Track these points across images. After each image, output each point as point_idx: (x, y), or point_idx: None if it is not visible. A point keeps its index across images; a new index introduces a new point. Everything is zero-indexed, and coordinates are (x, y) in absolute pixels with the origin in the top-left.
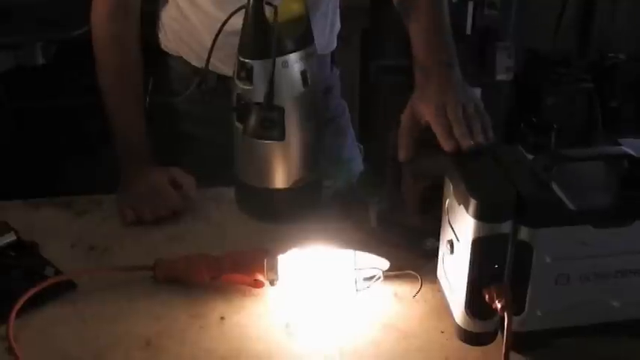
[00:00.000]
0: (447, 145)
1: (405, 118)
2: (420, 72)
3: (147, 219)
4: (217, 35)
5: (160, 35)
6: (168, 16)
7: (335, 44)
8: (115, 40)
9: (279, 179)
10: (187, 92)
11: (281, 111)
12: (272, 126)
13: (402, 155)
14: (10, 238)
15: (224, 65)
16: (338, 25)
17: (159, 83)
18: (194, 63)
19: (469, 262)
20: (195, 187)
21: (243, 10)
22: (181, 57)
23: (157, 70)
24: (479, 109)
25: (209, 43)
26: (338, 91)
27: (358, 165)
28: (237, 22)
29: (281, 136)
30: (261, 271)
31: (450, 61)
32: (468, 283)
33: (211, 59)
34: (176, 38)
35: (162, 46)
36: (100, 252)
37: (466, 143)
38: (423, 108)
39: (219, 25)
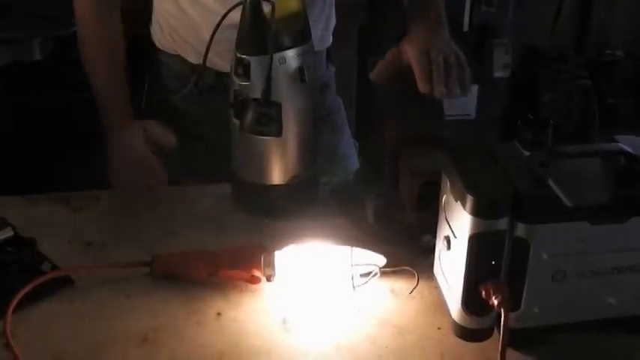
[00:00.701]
0: (422, 87)
1: (389, 52)
2: (411, 24)
3: (137, 189)
4: (216, 29)
5: (155, 33)
6: (164, 12)
7: (330, 40)
8: (95, 12)
9: (276, 175)
10: (185, 90)
11: (278, 107)
12: (269, 122)
13: (372, 75)
14: (8, 233)
15: (222, 60)
16: (333, 22)
17: (155, 82)
18: (191, 60)
19: (466, 258)
20: (172, 139)
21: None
22: (178, 55)
23: (153, 68)
24: (460, 59)
25: (208, 37)
26: (333, 88)
27: (354, 162)
28: (237, 15)
29: (278, 132)
30: (258, 267)
31: (440, 19)
32: (464, 279)
33: (210, 55)
34: (173, 34)
35: (158, 44)
36: (97, 248)
37: (439, 90)
38: (408, 49)
39: (218, 18)
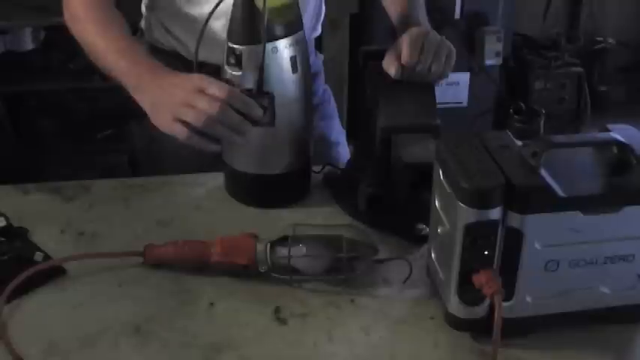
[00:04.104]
0: (405, 56)
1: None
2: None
3: (218, 134)
4: (209, 17)
5: (148, 32)
6: (159, 8)
7: (319, 31)
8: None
9: (269, 164)
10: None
11: (271, 97)
12: (262, 112)
13: (393, 70)
14: (0, 223)
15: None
16: (323, 12)
17: None
18: (186, 54)
19: (459, 248)
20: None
21: None
22: (176, 53)
23: None
24: (451, 49)
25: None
26: (323, 77)
27: (345, 148)
28: None
29: (271, 122)
30: (251, 256)
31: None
32: (457, 269)
33: (213, 48)
34: (173, 28)
35: (150, 39)
36: (90, 237)
37: (425, 63)
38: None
39: None
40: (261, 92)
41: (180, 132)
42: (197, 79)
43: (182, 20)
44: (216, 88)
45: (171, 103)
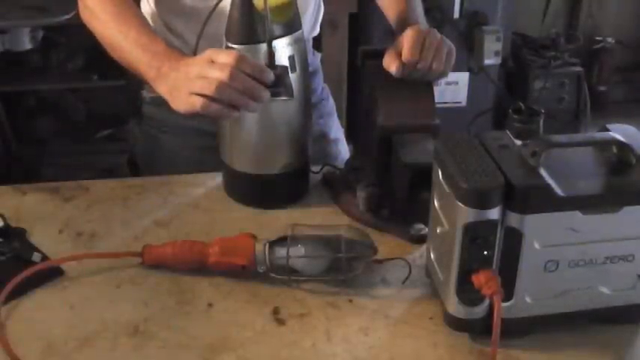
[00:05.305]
0: (405, 54)
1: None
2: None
3: (233, 100)
4: (211, 12)
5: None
6: (163, 4)
7: (318, 30)
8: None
9: (268, 165)
10: None
11: (284, 69)
12: (278, 84)
13: (395, 68)
14: None
15: None
16: (322, 12)
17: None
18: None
19: (458, 248)
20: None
21: None
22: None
23: None
24: (451, 47)
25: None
26: (321, 76)
27: (344, 147)
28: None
29: (290, 93)
30: (250, 256)
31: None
32: (456, 269)
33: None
34: (176, 25)
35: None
36: (88, 238)
37: (426, 61)
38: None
39: None
40: (274, 65)
41: (197, 103)
42: (208, 52)
43: (187, 16)
44: (225, 56)
45: (186, 81)
